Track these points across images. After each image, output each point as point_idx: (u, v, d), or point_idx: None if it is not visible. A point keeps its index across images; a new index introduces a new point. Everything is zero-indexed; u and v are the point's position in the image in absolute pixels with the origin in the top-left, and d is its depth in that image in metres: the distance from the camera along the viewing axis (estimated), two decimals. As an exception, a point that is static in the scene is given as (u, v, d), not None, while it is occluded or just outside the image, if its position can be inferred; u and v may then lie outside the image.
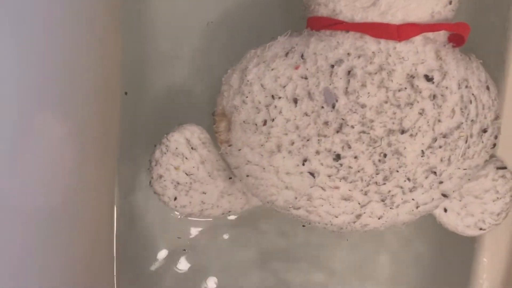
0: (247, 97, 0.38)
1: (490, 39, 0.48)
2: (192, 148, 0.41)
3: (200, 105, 0.50)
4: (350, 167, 0.38)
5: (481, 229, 0.47)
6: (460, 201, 0.46)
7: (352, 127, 0.37)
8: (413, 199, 0.40)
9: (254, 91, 0.38)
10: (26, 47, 0.35)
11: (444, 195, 0.41)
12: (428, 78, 0.38)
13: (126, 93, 0.49)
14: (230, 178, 0.43)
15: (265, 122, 0.38)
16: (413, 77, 0.38)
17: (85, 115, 0.43)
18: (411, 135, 0.38)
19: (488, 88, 0.41)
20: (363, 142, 0.37)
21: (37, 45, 0.36)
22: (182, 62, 0.50)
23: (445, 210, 0.46)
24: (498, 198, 0.45)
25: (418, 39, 0.38)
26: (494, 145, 0.43)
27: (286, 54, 0.38)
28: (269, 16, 0.49)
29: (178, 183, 0.42)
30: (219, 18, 0.50)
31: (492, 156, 0.45)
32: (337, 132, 0.37)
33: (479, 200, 0.46)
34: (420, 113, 0.38)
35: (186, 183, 0.42)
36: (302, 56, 0.38)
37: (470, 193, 0.46)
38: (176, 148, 0.41)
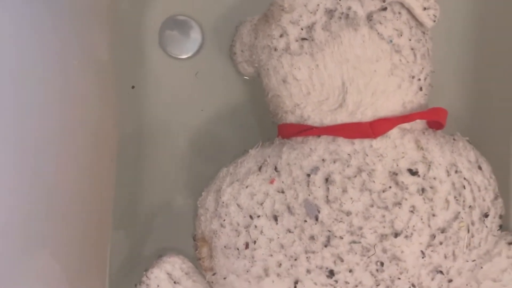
0: (224, 220, 0.36)
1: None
2: (175, 282, 0.38)
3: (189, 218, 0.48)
4: (346, 282, 0.34)
5: (508, 314, 0.42)
6: (478, 288, 0.42)
7: (341, 238, 0.34)
8: (423, 306, 0.36)
9: (231, 212, 0.36)
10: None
11: (457, 294, 0.37)
12: (413, 172, 0.36)
13: (133, 87, 0.47)
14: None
15: (247, 245, 0.35)
16: (396, 174, 0.35)
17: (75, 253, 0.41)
18: (406, 237, 0.35)
19: (480, 167, 0.39)
20: (356, 253, 0.34)
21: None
22: (171, 175, 0.49)
23: (464, 302, 0.42)
24: (518, 276, 0.42)
25: (394, 132, 0.36)
26: (501, 226, 0.40)
27: (260, 169, 0.37)
28: (242, 124, 0.49)
29: (164, 326, 0.38)
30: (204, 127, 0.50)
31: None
32: (326, 245, 0.34)
33: (498, 283, 0.42)
34: (411, 211, 0.35)
35: None
36: (275, 168, 0.36)
37: (486, 277, 0.41)
38: (158, 286, 0.38)
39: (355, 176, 0.35)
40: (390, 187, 0.35)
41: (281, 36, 0.37)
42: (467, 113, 0.47)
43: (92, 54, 0.44)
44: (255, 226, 0.35)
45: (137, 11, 0.49)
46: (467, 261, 0.37)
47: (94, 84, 0.44)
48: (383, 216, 0.34)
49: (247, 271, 0.35)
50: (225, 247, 0.36)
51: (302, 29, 0.36)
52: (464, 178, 0.37)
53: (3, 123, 0.31)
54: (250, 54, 0.40)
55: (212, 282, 0.38)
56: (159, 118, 0.49)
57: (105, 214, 0.46)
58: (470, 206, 0.37)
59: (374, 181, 0.35)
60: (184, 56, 0.49)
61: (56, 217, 0.38)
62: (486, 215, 0.37)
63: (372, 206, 0.35)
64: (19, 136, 0.33)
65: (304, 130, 0.37)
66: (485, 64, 0.48)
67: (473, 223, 0.37)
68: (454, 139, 0.39)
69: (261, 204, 0.35)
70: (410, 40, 0.37)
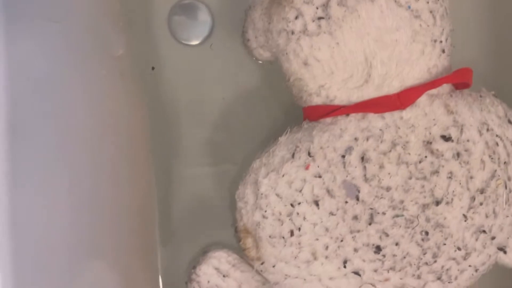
0: (266, 211, 0.36)
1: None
2: (224, 275, 0.39)
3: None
4: (394, 255, 0.35)
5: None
6: (516, 237, 0.43)
7: (384, 213, 0.35)
8: (470, 266, 0.36)
9: (271, 203, 0.36)
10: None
11: (501, 249, 0.38)
12: (446, 138, 0.35)
13: (153, 68, 0.47)
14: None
15: (292, 233, 0.36)
16: (430, 142, 0.35)
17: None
18: (447, 203, 0.35)
19: (510, 121, 0.38)
20: (400, 226, 0.35)
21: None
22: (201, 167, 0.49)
23: (504, 252, 0.43)
24: (555, 219, 0.42)
25: (422, 100, 0.36)
26: (536, 176, 0.40)
27: (293, 155, 0.36)
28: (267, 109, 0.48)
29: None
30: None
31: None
32: (370, 223, 0.35)
33: (535, 229, 0.43)
34: (449, 177, 0.35)
35: None
36: (309, 153, 0.36)
37: (524, 225, 0.42)
38: (208, 282, 0.39)
39: (390, 151, 0.35)
40: (426, 156, 0.35)
41: (296, 18, 0.36)
42: (488, 65, 0.47)
43: (113, 55, 0.43)
44: (297, 213, 0.35)
45: (144, 4, 0.47)
46: (507, 216, 0.37)
47: (119, 85, 0.44)
48: (423, 186, 0.35)
49: (296, 257, 0.36)
50: (270, 236, 0.36)
51: (317, 8, 0.35)
52: (496, 135, 0.37)
53: (41, 137, 0.31)
54: (266, 40, 0.39)
55: (261, 270, 0.38)
56: (181, 108, 0.48)
57: (149, 216, 0.47)
58: (505, 162, 0.37)
59: (409, 153, 0.35)
60: (196, 42, 0.48)
61: (102, 224, 0.38)
62: (522, 168, 0.38)
63: (410, 178, 0.35)
64: (57, 147, 0.33)
65: (332, 111, 0.36)
66: (506, 14, 0.47)
67: (509, 178, 0.37)
68: (480, 96, 0.39)
69: (300, 191, 0.36)
70: (428, 2, 0.36)
